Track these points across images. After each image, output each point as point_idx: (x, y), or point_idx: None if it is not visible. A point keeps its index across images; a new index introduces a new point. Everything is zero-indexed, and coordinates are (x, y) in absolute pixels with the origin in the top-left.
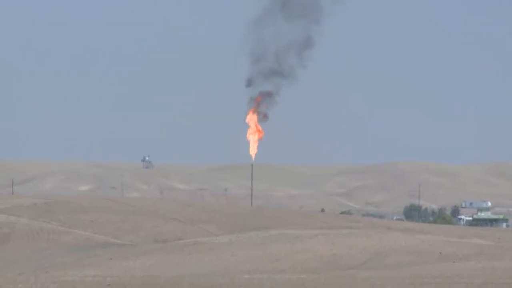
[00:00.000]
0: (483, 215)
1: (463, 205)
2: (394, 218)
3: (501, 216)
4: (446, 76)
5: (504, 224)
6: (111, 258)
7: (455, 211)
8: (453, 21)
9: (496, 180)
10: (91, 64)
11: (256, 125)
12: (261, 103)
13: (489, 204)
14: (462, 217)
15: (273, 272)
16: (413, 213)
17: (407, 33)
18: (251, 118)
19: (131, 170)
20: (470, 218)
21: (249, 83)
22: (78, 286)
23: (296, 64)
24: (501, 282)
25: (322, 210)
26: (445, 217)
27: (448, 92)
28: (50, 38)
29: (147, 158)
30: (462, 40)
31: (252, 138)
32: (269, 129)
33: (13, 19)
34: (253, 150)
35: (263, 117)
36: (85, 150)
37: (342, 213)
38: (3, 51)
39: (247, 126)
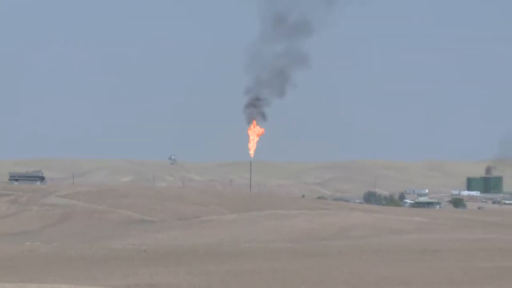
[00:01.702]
0: (422, 199)
1: (408, 192)
2: (356, 201)
3: (435, 200)
4: (397, 85)
5: (437, 206)
6: (146, 231)
7: (402, 196)
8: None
9: (432, 174)
10: (129, 84)
11: (255, 134)
12: (256, 116)
13: (426, 191)
14: (407, 201)
15: (267, 241)
16: (370, 198)
17: (371, 38)
18: (251, 130)
19: (160, 166)
20: (413, 202)
21: (247, 91)
22: (122, 252)
23: (284, 82)
24: (434, 249)
25: (303, 196)
26: (394, 201)
27: (397, 99)
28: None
29: (172, 156)
30: (411, 45)
31: (252, 143)
32: (263, 135)
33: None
34: (252, 151)
35: (259, 122)
36: (126, 151)
37: (318, 198)
38: (49, 56)
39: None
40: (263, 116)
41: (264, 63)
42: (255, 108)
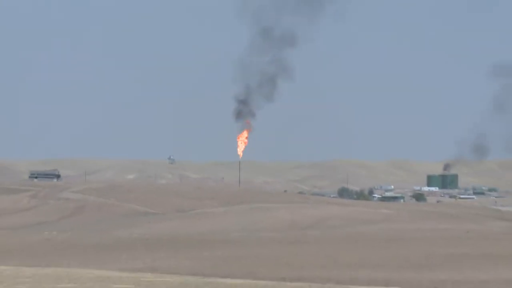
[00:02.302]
0: (388, 194)
1: (376, 188)
2: (331, 196)
3: (399, 195)
4: (366, 93)
5: (401, 200)
6: (149, 222)
7: (371, 192)
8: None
9: (397, 172)
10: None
11: (243, 138)
12: (246, 125)
13: (392, 187)
14: (375, 195)
15: (254, 231)
16: (343, 193)
17: (346, 50)
18: (241, 136)
19: (161, 165)
20: (380, 196)
21: (237, 98)
22: (127, 240)
23: (272, 89)
24: (399, 238)
25: (285, 191)
26: (364, 195)
27: (367, 106)
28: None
29: (171, 157)
30: (382, 53)
31: (240, 145)
32: (250, 139)
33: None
34: (240, 152)
35: (248, 128)
36: (131, 152)
37: (298, 193)
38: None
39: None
40: (252, 115)
41: (253, 71)
42: (244, 114)
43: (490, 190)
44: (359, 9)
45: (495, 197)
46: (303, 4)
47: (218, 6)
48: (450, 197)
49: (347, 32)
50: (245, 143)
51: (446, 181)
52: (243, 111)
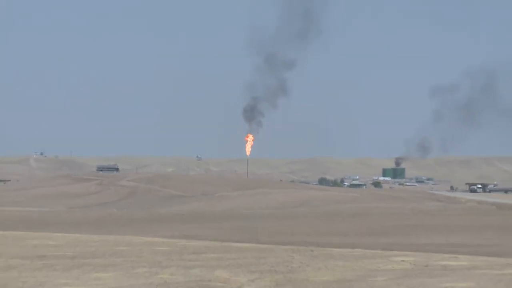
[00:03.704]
0: (354, 182)
1: (346, 178)
2: (314, 184)
3: (363, 183)
4: (340, 100)
5: (364, 187)
6: (183, 203)
7: (342, 181)
8: None
9: (361, 166)
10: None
11: (250, 141)
12: (253, 129)
13: (357, 177)
14: (345, 183)
15: (258, 209)
16: (322, 181)
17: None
18: (248, 138)
19: (191, 161)
20: (349, 184)
21: (247, 107)
22: (167, 215)
23: (272, 103)
24: (362, 213)
25: (281, 180)
26: (337, 183)
27: (339, 118)
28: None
29: (198, 155)
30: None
31: (248, 146)
32: (255, 142)
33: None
34: (248, 151)
35: (256, 131)
36: (170, 151)
37: (290, 181)
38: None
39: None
40: (259, 124)
41: (258, 88)
42: (253, 120)
43: (428, 179)
44: (337, 43)
45: (431, 184)
46: (295, 37)
47: (231, 40)
48: (399, 184)
49: (327, 59)
50: (251, 145)
51: (396, 173)
52: (251, 118)
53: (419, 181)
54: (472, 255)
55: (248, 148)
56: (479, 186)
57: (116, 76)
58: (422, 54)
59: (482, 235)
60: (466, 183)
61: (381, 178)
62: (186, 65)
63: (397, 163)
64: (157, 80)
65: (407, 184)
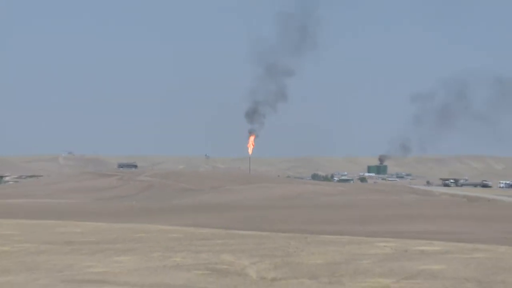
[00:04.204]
0: (343, 177)
1: (335, 174)
2: (307, 179)
3: (350, 178)
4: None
5: (351, 181)
6: (193, 196)
7: (332, 176)
8: None
9: (348, 163)
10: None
11: (251, 142)
12: (255, 130)
13: (346, 173)
14: (335, 178)
15: (259, 201)
16: (315, 177)
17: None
18: (250, 140)
19: (200, 159)
20: (338, 179)
21: (248, 110)
22: (179, 206)
23: (272, 107)
24: (348, 205)
25: (278, 176)
26: (328, 179)
27: (329, 122)
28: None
29: (207, 154)
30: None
31: (250, 147)
32: (256, 142)
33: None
34: (250, 151)
35: (256, 133)
36: (182, 150)
37: (286, 177)
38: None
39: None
40: (261, 125)
41: (260, 93)
42: (255, 122)
43: (407, 175)
44: (330, 54)
45: (410, 179)
46: (293, 49)
47: (236, 50)
48: (382, 179)
49: (321, 68)
50: (252, 145)
51: (380, 169)
52: (253, 120)
53: (399, 176)
54: (445, 241)
55: (250, 149)
56: (452, 181)
57: (135, 85)
58: (404, 65)
59: (454, 223)
60: (440, 179)
61: (366, 174)
62: (196, 75)
63: (381, 161)
64: (169, 89)
65: (389, 179)
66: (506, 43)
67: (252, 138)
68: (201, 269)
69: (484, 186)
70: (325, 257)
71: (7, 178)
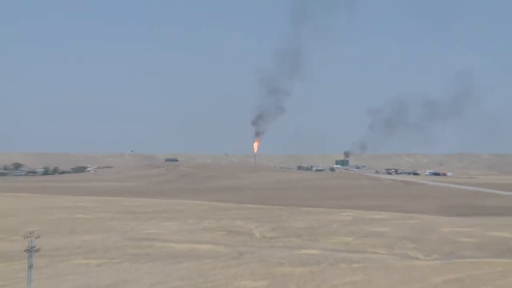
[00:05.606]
0: (319, 168)
1: (314, 166)
2: (294, 169)
3: (324, 169)
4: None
5: (324, 171)
6: (216, 181)
7: (311, 167)
8: None
9: (322, 159)
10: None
11: (257, 143)
12: (259, 134)
13: (320, 165)
14: (313, 169)
15: (263, 183)
16: (300, 168)
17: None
18: (256, 142)
19: (221, 156)
20: (315, 169)
21: (255, 119)
22: (206, 188)
23: (274, 115)
24: (324, 187)
25: (274, 167)
26: (308, 169)
27: (315, 127)
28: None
29: (225, 152)
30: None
31: (255, 147)
32: (260, 143)
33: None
34: (255, 150)
35: (260, 137)
36: (208, 149)
37: (281, 168)
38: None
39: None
40: (264, 131)
41: (263, 105)
42: (259, 126)
43: (363, 166)
44: (317, 78)
45: (365, 169)
46: (289, 75)
47: (246, 76)
48: (345, 169)
49: (310, 89)
50: (257, 145)
51: (344, 162)
52: (258, 127)
53: (357, 167)
54: (388, 212)
55: (255, 148)
56: (393, 170)
57: (178, 103)
58: (362, 88)
59: (394, 200)
60: (385, 169)
61: (335, 166)
62: (218, 96)
63: (346, 156)
64: (199, 106)
65: (350, 169)
66: (435, 73)
67: (257, 142)
68: (222, 230)
69: (415, 174)
70: (306, 223)
71: (89, 168)
